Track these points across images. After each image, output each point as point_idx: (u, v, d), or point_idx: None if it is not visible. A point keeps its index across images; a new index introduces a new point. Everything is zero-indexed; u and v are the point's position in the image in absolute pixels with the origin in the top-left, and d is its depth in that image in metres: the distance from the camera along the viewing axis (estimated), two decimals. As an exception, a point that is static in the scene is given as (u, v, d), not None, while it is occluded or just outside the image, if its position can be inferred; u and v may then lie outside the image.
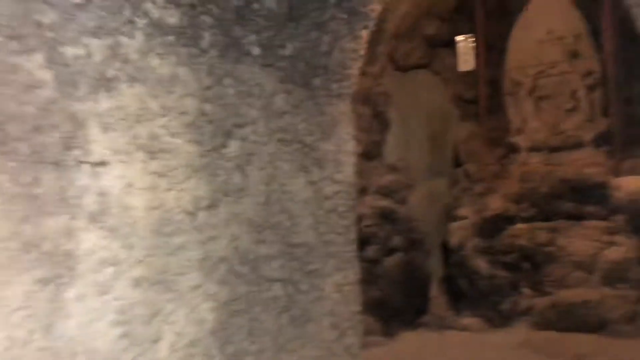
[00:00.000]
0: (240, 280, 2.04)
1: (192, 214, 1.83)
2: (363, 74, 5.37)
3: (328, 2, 2.50)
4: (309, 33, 2.47)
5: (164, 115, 1.74)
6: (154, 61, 1.70)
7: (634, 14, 2.41)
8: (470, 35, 5.69)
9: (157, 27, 1.70)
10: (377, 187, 4.84)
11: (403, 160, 4.93)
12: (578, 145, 4.92)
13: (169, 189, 1.76)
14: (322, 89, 2.68)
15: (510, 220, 4.32)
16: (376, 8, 2.83)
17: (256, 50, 2.17)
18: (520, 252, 4.21)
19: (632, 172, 4.66)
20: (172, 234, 1.76)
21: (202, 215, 1.87)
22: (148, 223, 1.69)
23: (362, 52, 2.99)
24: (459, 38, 5.62)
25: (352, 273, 2.91)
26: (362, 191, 4.71)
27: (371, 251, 4.56)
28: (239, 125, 2.07)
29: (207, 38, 1.91)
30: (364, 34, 2.92)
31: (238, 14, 2.03)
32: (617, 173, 4.59)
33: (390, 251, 4.68)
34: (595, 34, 5.09)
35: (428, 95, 5.71)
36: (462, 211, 4.74)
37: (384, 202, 4.76)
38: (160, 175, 1.73)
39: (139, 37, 1.65)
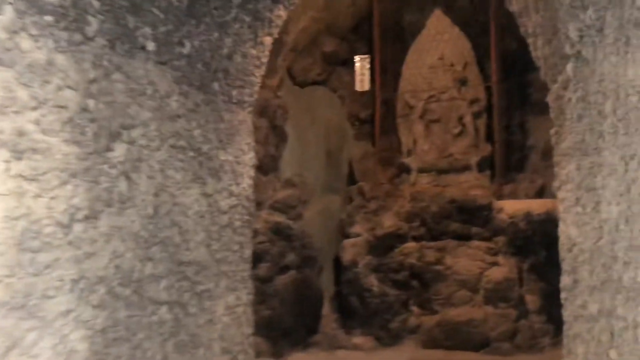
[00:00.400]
0: (121, 303, 1.78)
1: (65, 226, 1.56)
2: (262, 85, 5.25)
3: (232, 1, 2.34)
4: (210, 33, 2.28)
5: (35, 108, 1.47)
6: (26, 43, 1.43)
7: (531, 43, 2.52)
8: (366, 56, 5.79)
9: (32, 4, 1.44)
10: (272, 202, 4.70)
11: (299, 175, 4.84)
12: (464, 168, 5.16)
13: (38, 196, 1.48)
14: (221, 94, 2.50)
15: (401, 238, 4.39)
16: (282, 15, 2.72)
17: (151, 45, 1.95)
18: (410, 270, 4.27)
19: (512, 195, 4.96)
20: (40, 250, 1.48)
21: (78, 228, 1.60)
22: (9, 236, 1.40)
23: (265, 59, 2.86)
24: (356, 58, 5.69)
25: (245, 293, 2.72)
26: (257, 206, 4.54)
27: (263, 269, 4.39)
28: (127, 127, 1.83)
29: (93, 24, 1.66)
30: (268, 40, 2.79)
31: (132, 1, 1.81)
32: (499, 196, 4.85)
33: (283, 269, 4.55)
34: (482, 63, 5.42)
35: (325, 112, 5.71)
36: (356, 228, 4.74)
37: (279, 218, 4.62)
38: (28, 179, 1.45)
39: (8, 12, 1.38)
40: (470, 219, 4.33)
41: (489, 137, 5.45)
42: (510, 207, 4.37)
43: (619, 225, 1.53)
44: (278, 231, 4.57)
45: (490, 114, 5.47)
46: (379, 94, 5.27)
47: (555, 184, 2.54)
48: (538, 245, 4.37)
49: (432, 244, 4.30)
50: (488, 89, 5.41)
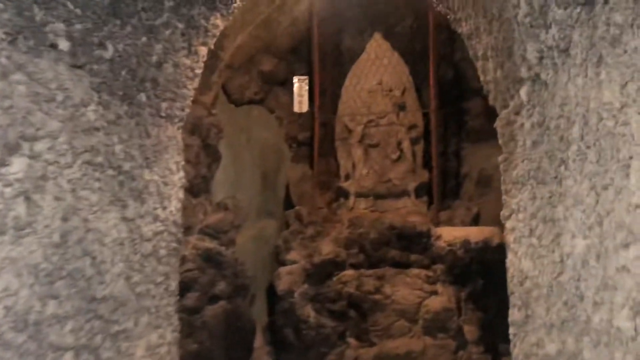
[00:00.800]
0: (12, 352, 1.46)
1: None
2: (194, 101, 4.97)
3: (163, 4, 2.10)
4: (138, 36, 2.02)
5: None
6: None
7: (480, 67, 2.43)
8: (305, 77, 5.64)
9: None
10: (202, 227, 4.39)
11: (232, 198, 4.57)
12: (402, 194, 5.08)
13: None
14: (148, 107, 2.23)
15: (339, 266, 4.20)
16: (219, 24, 2.49)
17: (64, 45, 1.66)
18: (348, 299, 4.08)
19: (449, 222, 4.91)
20: None
21: (-45, 262, 1.28)
22: None
23: (199, 71, 2.62)
24: (295, 78, 5.53)
25: (170, 331, 2.42)
26: (185, 231, 4.22)
27: (191, 299, 4.06)
28: (29, 138, 1.53)
29: (-11, 12, 1.38)
30: (203, 50, 2.56)
31: (41, -9, 1.53)
32: (436, 223, 4.79)
33: (213, 298, 4.22)
34: (419, 90, 5.41)
35: (261, 133, 5.49)
36: (292, 255, 4.51)
37: (209, 244, 4.31)
38: None
39: None
40: (409, 245, 4.22)
41: (426, 164, 5.43)
42: (448, 234, 4.30)
43: (588, 261, 1.41)
44: (208, 258, 4.25)
45: (428, 140, 5.45)
46: (318, 116, 5.12)
47: (504, 212, 2.44)
48: (475, 274, 4.31)
49: (370, 271, 4.15)
50: (425, 116, 5.40)
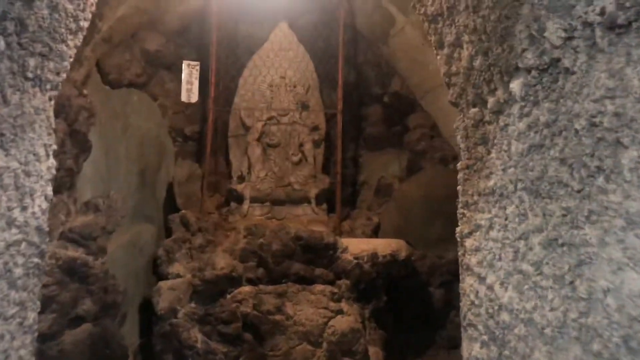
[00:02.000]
0: None
1: None
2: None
3: None
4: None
5: None
6: None
7: (444, 56, 2.06)
8: (196, 62, 4.97)
9: None
10: (65, 231, 3.54)
11: (103, 197, 3.77)
12: (302, 200, 4.63)
13: None
14: (8, 59, 1.52)
15: (234, 281, 3.62)
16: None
17: None
18: (244, 321, 3.52)
19: (350, 233, 4.56)
20: None
21: None
22: None
23: (84, 24, 1.93)
24: (185, 63, 4.85)
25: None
26: (41, 235, 3.36)
27: (46, 322, 3.22)
28: None
29: None
30: (92, -3, 1.88)
31: None
32: (339, 233, 4.41)
33: (75, 320, 3.41)
34: (320, 90, 5.02)
35: (142, 122, 4.70)
36: (175, 268, 3.83)
37: (73, 252, 3.48)
38: None
39: None
40: (315, 259, 3.78)
41: (324, 169, 5.06)
42: (355, 247, 3.93)
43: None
44: (71, 270, 3.43)
45: (328, 144, 5.09)
46: (212, 106, 4.49)
47: (463, 229, 2.08)
48: (380, 290, 3.99)
49: (270, 288, 3.62)
50: (328, 118, 5.03)
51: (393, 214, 4.83)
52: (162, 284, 3.80)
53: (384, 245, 3.98)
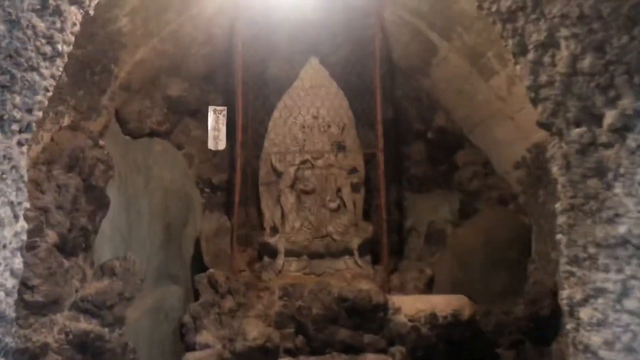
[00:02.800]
0: None
1: None
2: (74, 127, 3.75)
3: None
4: None
5: None
6: None
7: (532, 61, 1.57)
8: (223, 107, 4.62)
9: None
10: (78, 300, 3.12)
11: (122, 259, 3.35)
12: (343, 252, 4.12)
13: None
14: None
15: (271, 353, 3.09)
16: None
17: None
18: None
19: (401, 288, 4.00)
20: None
21: None
22: None
23: (64, 49, 1.53)
24: (210, 108, 4.50)
25: None
26: (53, 306, 2.94)
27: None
28: None
29: None
30: (73, 13, 1.48)
31: None
32: (388, 290, 3.85)
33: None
34: (361, 128, 4.58)
35: (165, 173, 4.33)
36: (204, 337, 3.34)
37: (86, 324, 3.04)
38: None
39: None
40: (363, 323, 3.22)
41: (365, 216, 4.55)
42: (409, 307, 3.37)
43: None
44: (83, 345, 2.98)
45: (367, 188, 4.59)
46: (241, 152, 4.08)
47: (572, 293, 1.54)
48: (441, 357, 3.38)
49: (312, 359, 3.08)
50: (368, 158, 4.56)
51: (448, 264, 4.25)
52: (190, 355, 3.31)
53: (443, 303, 3.40)
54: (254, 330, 3.12)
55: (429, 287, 4.17)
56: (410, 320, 3.29)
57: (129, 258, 3.25)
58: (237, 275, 3.77)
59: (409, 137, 5.06)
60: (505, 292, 4.04)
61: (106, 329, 3.09)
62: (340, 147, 4.36)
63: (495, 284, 4.08)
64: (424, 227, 4.79)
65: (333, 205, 4.24)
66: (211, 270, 3.75)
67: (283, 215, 4.22)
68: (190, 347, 3.40)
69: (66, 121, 3.52)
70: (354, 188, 4.38)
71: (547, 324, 3.76)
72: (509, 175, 4.49)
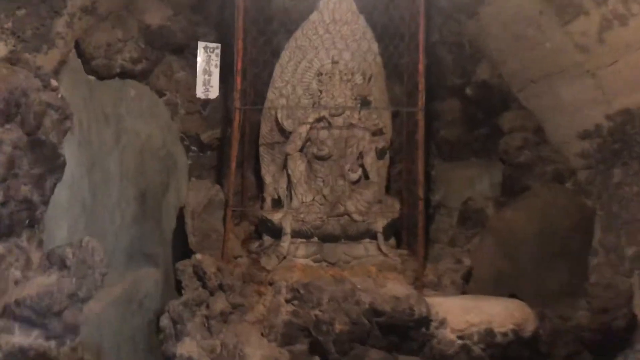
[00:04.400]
0: None
1: None
2: (13, 61, 2.79)
3: None
4: None
5: None
6: None
7: None
8: (216, 45, 3.65)
9: None
10: (12, 304, 2.26)
11: (77, 246, 2.46)
12: (364, 234, 3.30)
13: None
14: None
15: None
16: None
17: None
18: None
19: (437, 285, 3.20)
20: None
21: None
22: None
23: None
24: (201, 45, 3.53)
25: None
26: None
27: None
28: None
29: None
30: None
31: None
32: (420, 285, 3.06)
33: None
34: (394, 78, 3.66)
35: (142, 126, 3.41)
36: (186, 346, 2.52)
37: (23, 338, 2.20)
38: None
39: None
40: (400, 341, 2.43)
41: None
42: (457, 318, 2.58)
43: None
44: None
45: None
46: (239, 104, 3.14)
47: None
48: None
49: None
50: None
51: (490, 253, 3.46)
52: (167, 371, 2.49)
53: (501, 315, 2.60)
54: (257, 353, 2.30)
55: (466, 281, 3.38)
56: (459, 337, 2.50)
57: (86, 245, 2.38)
58: (231, 264, 2.92)
59: (441, 93, 4.14)
60: (562, 292, 3.27)
61: (52, 343, 2.25)
62: (365, 102, 3.45)
63: (549, 281, 3.30)
64: (457, 203, 3.96)
65: (354, 175, 3.37)
66: (198, 256, 2.90)
67: (290, 186, 3.34)
68: (169, 357, 2.59)
69: (1, 52, 2.57)
70: (379, 154, 3.50)
71: (618, 338, 3.02)
72: (568, 146, 3.64)
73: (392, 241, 3.49)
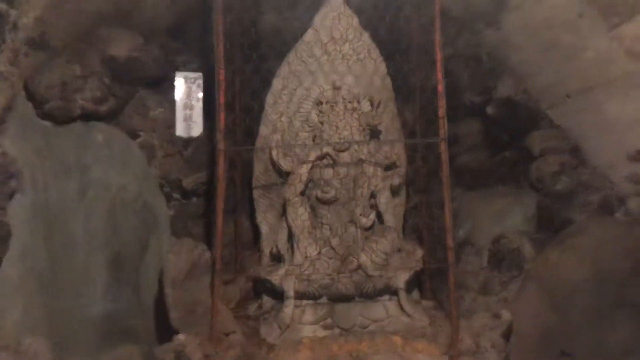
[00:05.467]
0: None
1: None
2: None
3: None
4: None
5: None
6: None
7: None
8: (198, 75, 3.16)
9: None
10: None
11: (15, 349, 1.91)
12: (382, 291, 2.75)
13: None
14: None
15: None
16: None
17: None
18: None
19: (474, 351, 2.63)
20: None
21: None
22: None
23: None
24: (180, 76, 3.03)
25: None
26: None
27: None
28: None
29: None
30: None
31: None
32: (455, 354, 2.50)
33: None
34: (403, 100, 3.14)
35: (112, 176, 2.87)
36: None
37: None
38: None
39: None
40: None
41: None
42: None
43: None
44: None
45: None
46: (223, 142, 2.60)
47: None
48: None
49: None
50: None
51: (534, 303, 2.90)
52: None
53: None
54: None
55: (507, 338, 2.81)
56: None
57: (27, 348, 1.82)
58: (222, 344, 2.37)
59: (458, 113, 3.60)
60: (626, 350, 2.70)
61: None
62: (374, 132, 2.93)
63: (609, 337, 2.73)
64: (486, 240, 3.41)
65: (366, 221, 2.83)
66: (180, 337, 2.35)
67: (291, 238, 2.80)
68: None
69: None
70: (394, 192, 2.96)
71: None
72: (615, 170, 3.10)
73: (415, 294, 2.94)
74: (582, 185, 3.19)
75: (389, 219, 2.88)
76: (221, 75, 2.55)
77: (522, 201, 3.42)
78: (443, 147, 2.58)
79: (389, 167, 2.97)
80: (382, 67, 2.97)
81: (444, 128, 2.59)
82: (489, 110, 3.55)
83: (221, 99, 2.53)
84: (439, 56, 2.61)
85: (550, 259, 2.94)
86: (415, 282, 2.94)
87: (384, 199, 2.87)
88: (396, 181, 2.94)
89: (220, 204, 2.46)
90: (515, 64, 3.32)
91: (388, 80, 3.01)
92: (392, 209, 2.91)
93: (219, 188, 2.51)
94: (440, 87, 2.60)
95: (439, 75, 2.61)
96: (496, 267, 3.22)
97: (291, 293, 2.66)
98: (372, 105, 2.91)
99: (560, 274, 2.86)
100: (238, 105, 3.08)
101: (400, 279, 2.71)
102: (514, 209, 3.41)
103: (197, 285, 2.56)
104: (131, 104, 3.00)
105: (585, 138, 3.23)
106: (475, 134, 3.72)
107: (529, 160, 3.45)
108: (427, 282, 3.20)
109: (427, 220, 3.18)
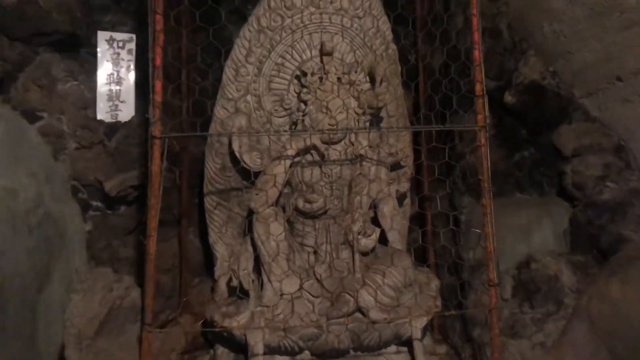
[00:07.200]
0: None
1: None
2: None
3: None
4: None
5: None
6: None
7: None
8: (128, 37, 2.28)
9: None
10: None
11: None
12: (388, 342, 1.93)
13: None
14: None
15: None
16: None
17: None
18: None
19: None
20: None
21: None
22: None
23: None
24: (103, 37, 2.15)
25: None
26: None
27: None
28: None
29: None
30: None
31: None
32: None
33: None
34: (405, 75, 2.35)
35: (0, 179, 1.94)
36: None
37: None
38: None
39: None
40: None
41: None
42: None
43: None
44: None
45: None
46: (159, 131, 1.73)
47: None
48: None
49: None
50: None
51: (588, 350, 2.15)
52: None
53: None
54: None
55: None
56: None
57: None
58: None
59: (465, 102, 2.86)
60: None
61: None
62: (375, 115, 2.12)
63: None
64: (508, 264, 2.66)
65: (368, 242, 2.01)
66: None
67: (259, 265, 1.95)
68: None
69: None
70: (400, 198, 2.17)
71: None
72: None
73: (428, 339, 2.14)
74: (634, 193, 2.49)
75: (395, 238, 2.08)
76: (158, 23, 1.68)
77: (551, 212, 2.68)
78: (483, 137, 1.80)
79: (394, 167, 2.18)
80: (387, 31, 2.17)
81: (483, 112, 1.81)
82: (507, 98, 2.81)
83: (157, 59, 1.66)
84: (475, 8, 1.83)
85: (607, 293, 2.20)
86: (429, 325, 2.15)
87: (389, 210, 2.07)
88: (404, 187, 2.14)
89: (153, 217, 1.59)
90: (546, 37, 2.60)
91: (393, 48, 2.21)
92: (398, 224, 2.12)
93: (152, 192, 1.64)
94: (478, 53, 1.83)
95: (475, 36, 1.83)
96: (527, 300, 2.46)
97: (259, 348, 1.81)
98: (374, 78, 2.11)
99: (623, 311, 2.13)
100: (185, 76, 2.21)
101: (417, 326, 1.91)
102: (542, 223, 2.67)
103: (115, 343, 1.67)
104: (27, 72, 2.08)
105: (632, 134, 2.54)
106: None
107: (556, 162, 2.74)
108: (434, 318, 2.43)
109: (442, 243, 2.41)
